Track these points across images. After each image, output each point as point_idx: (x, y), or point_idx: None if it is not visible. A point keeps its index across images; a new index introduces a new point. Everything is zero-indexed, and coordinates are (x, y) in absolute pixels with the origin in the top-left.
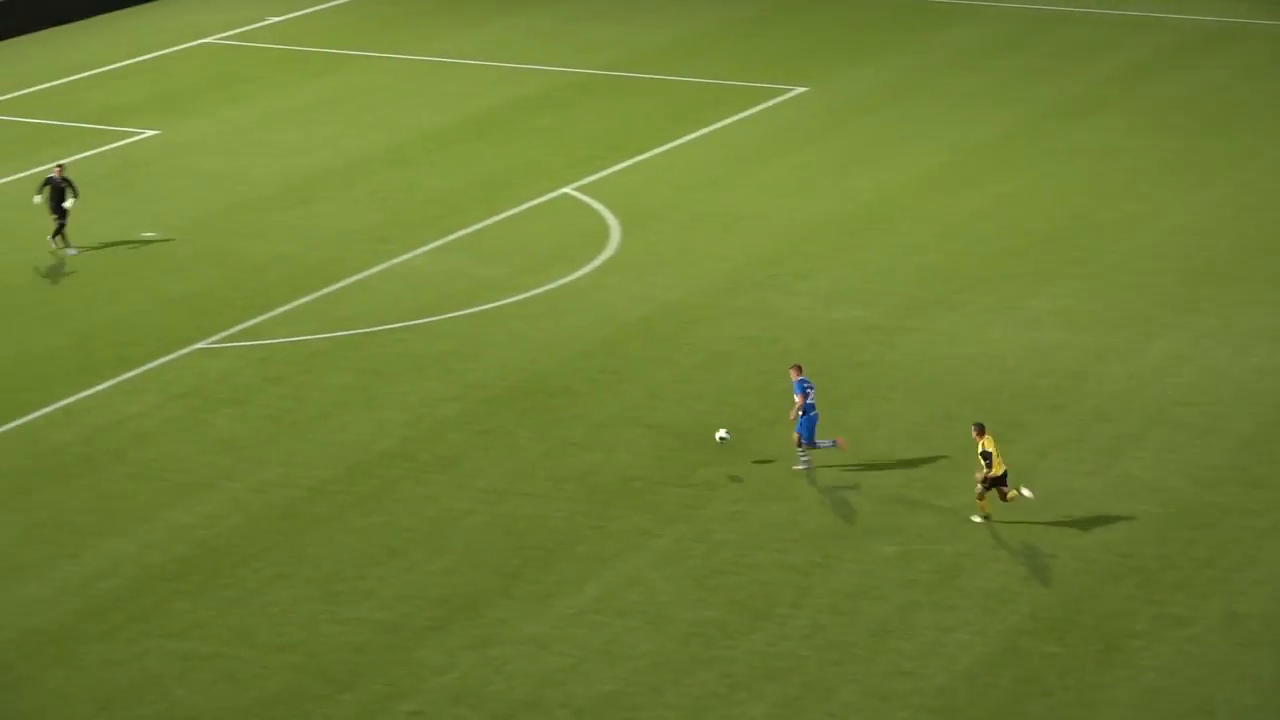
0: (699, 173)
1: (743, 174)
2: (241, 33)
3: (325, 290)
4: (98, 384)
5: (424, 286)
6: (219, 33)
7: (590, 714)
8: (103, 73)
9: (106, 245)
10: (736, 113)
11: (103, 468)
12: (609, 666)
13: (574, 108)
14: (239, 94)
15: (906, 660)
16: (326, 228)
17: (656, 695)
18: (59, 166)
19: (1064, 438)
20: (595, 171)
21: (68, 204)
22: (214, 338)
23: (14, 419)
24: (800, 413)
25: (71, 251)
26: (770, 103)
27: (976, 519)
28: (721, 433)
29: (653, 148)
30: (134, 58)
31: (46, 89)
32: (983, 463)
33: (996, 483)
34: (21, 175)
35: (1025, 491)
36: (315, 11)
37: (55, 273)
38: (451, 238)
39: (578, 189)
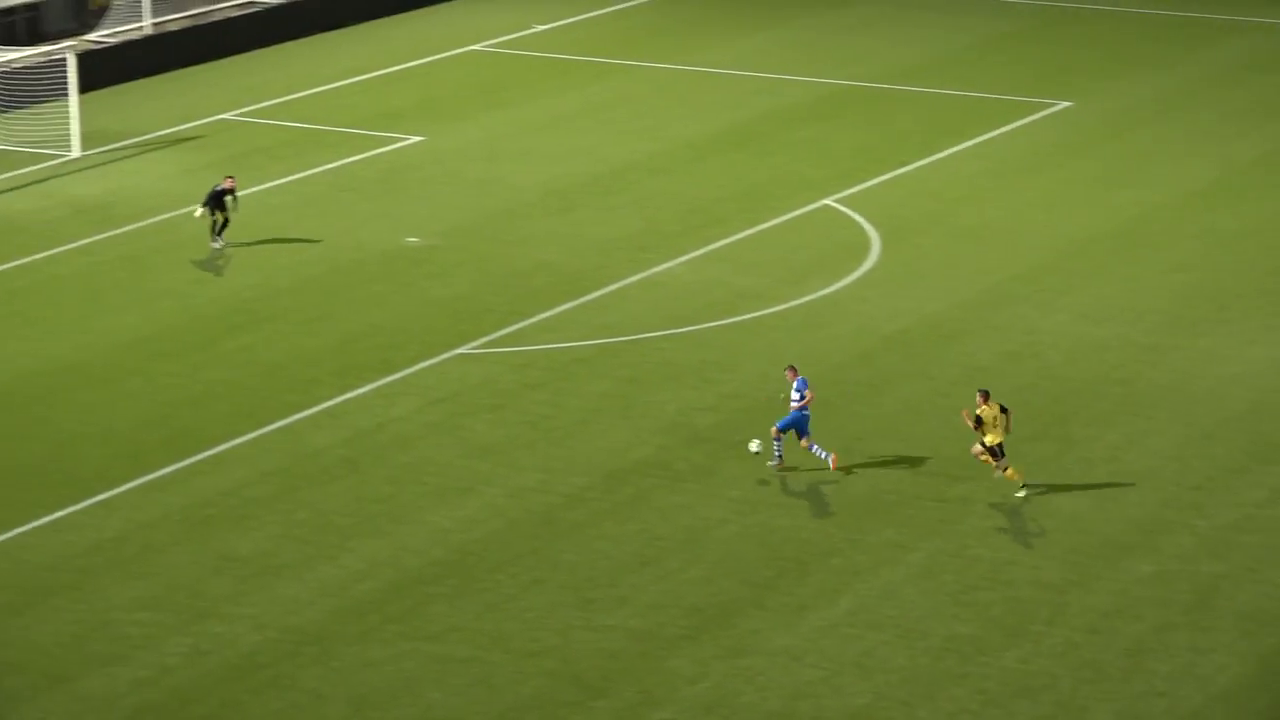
0: (960, 186)
1: (1004, 188)
2: (507, 40)
3: (586, 298)
4: (360, 387)
5: (683, 296)
6: (485, 40)
7: None
8: (371, 78)
9: (372, 249)
10: (999, 126)
11: (363, 470)
12: (861, 680)
13: (836, 119)
14: (503, 101)
15: (1161, 681)
16: (588, 235)
17: (908, 710)
18: (230, 178)
19: None
20: (856, 183)
21: (230, 202)
22: (475, 343)
23: (277, 420)
24: (803, 409)
25: (217, 245)
26: (1033, 117)
27: (1020, 494)
28: (754, 444)
29: (914, 160)
30: (402, 64)
31: (316, 94)
32: (992, 424)
33: (992, 452)
34: (290, 179)
35: (1016, 485)
36: (580, 20)
37: (321, 277)
38: (711, 247)
39: (838, 200)
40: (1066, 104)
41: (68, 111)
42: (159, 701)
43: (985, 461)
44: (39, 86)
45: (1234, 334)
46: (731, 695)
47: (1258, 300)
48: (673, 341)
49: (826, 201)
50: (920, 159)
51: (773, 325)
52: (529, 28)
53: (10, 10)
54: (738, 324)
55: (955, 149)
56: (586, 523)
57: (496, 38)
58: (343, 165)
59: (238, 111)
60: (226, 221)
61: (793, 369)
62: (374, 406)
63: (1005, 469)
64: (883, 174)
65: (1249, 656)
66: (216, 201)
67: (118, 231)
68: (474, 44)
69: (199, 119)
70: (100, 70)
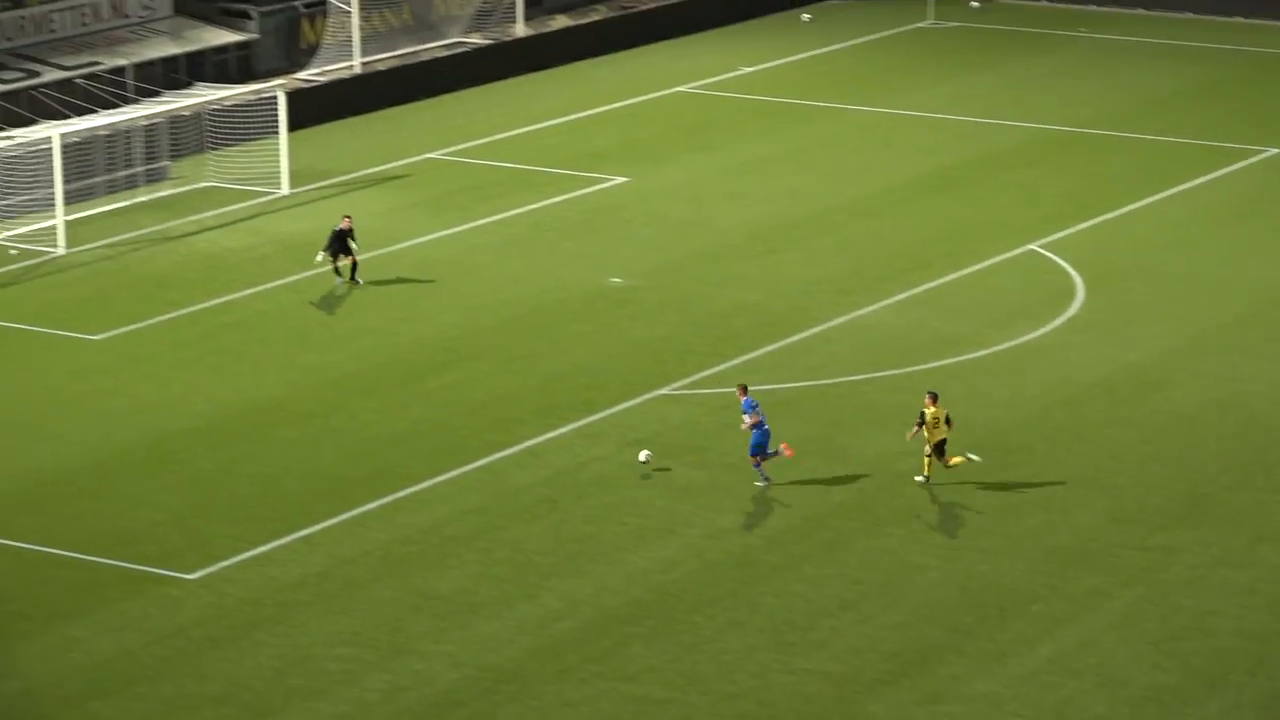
0: (1167, 232)
1: (1212, 235)
2: (712, 83)
3: (788, 340)
4: (561, 426)
5: (886, 339)
6: (691, 82)
7: None
8: (577, 119)
9: (575, 290)
10: (1207, 173)
11: (563, 510)
12: None
13: (1042, 164)
14: (708, 143)
15: None
16: (791, 277)
17: None
18: (346, 218)
19: None
20: (1062, 229)
21: (354, 246)
22: (676, 384)
23: (479, 458)
24: (752, 429)
25: (347, 282)
26: (1242, 164)
27: (919, 479)
28: (644, 454)
29: (1121, 206)
30: (607, 105)
31: (521, 134)
32: (933, 423)
33: (937, 449)
34: (495, 218)
35: (972, 456)
36: (787, 63)
37: (524, 316)
38: (915, 291)
39: (1044, 246)
40: (1275, 151)
41: (277, 149)
42: None
43: (955, 463)
44: (249, 124)
45: None
46: None
47: None
48: (875, 385)
49: (1032, 246)
50: (1127, 205)
51: (975, 370)
52: (735, 70)
53: (223, 49)
54: (940, 368)
55: (1162, 195)
56: (786, 565)
57: (702, 79)
58: (547, 205)
59: (444, 151)
60: (355, 264)
61: (742, 387)
62: (575, 446)
63: (949, 460)
64: (1089, 219)
65: None
66: (340, 244)
67: (324, 270)
68: (679, 85)
69: (405, 158)
70: (309, 108)
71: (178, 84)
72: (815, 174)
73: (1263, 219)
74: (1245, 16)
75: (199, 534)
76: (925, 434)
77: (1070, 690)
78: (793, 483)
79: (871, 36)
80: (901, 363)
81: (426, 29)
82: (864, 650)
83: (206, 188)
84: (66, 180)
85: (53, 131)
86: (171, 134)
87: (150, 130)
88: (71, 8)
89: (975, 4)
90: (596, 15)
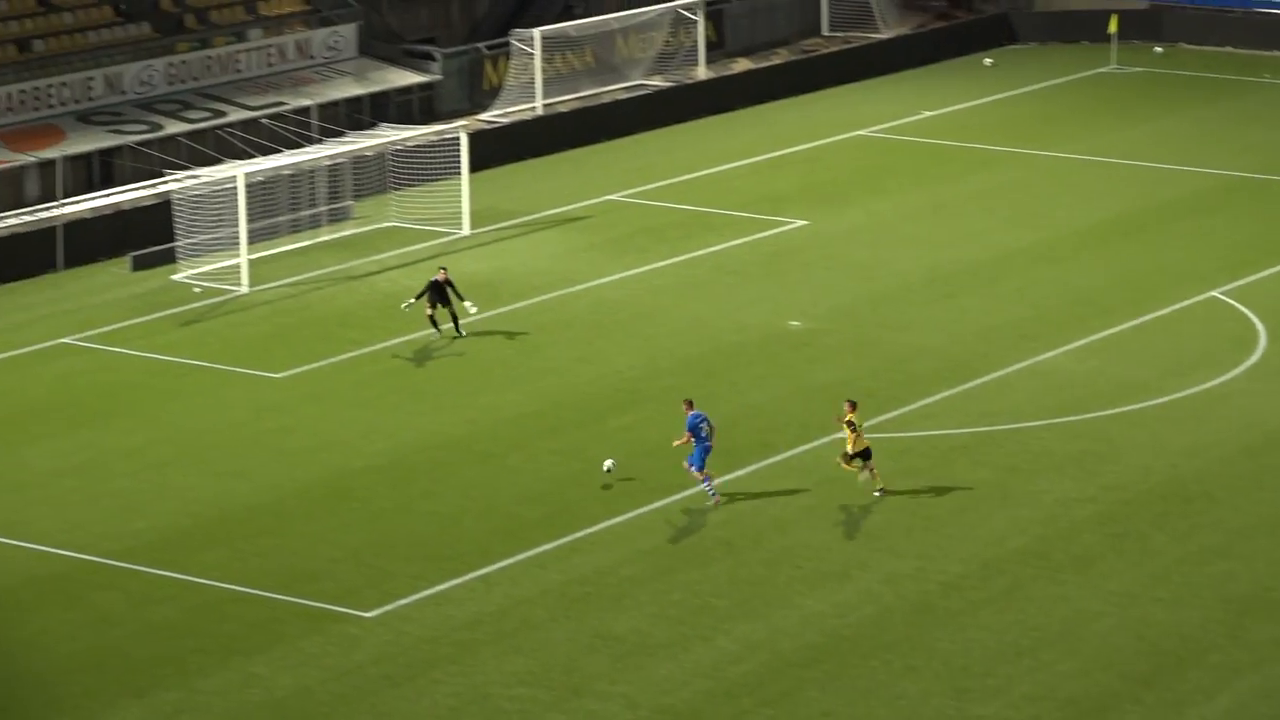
0: None
1: None
2: (895, 126)
3: (967, 385)
4: (738, 469)
5: (1065, 385)
6: (872, 126)
7: None
8: (757, 162)
9: (754, 332)
10: None
11: (739, 552)
12: None
13: (1225, 210)
14: (888, 187)
15: None
16: (971, 322)
17: None
18: (442, 269)
19: None
20: (1244, 276)
21: (469, 305)
22: None
23: (656, 500)
24: (693, 443)
25: (437, 334)
26: None
27: (876, 493)
28: (607, 463)
29: None
30: (788, 148)
31: (702, 176)
32: (848, 430)
33: (859, 455)
34: (675, 260)
35: (874, 485)
36: (968, 108)
37: (703, 358)
38: (1095, 337)
39: (1226, 293)
40: None
41: (459, 190)
42: None
43: (848, 468)
44: (432, 165)
45: None
46: None
47: None
48: (1054, 431)
49: (1213, 294)
50: None
51: (1156, 417)
52: (917, 114)
53: (406, 90)
54: (1120, 415)
55: None
56: (962, 611)
57: (883, 123)
58: (726, 248)
59: (624, 193)
60: (456, 316)
61: (688, 403)
62: (753, 489)
63: (869, 470)
64: (1271, 266)
65: None
66: (439, 295)
67: (504, 309)
68: (861, 129)
69: (586, 199)
70: (491, 149)
71: (361, 124)
72: (996, 218)
73: None
74: None
75: (377, 572)
76: (848, 444)
77: None
78: (969, 528)
79: (1054, 81)
80: (1080, 409)
81: (608, 71)
82: (1040, 698)
83: (388, 227)
84: (250, 219)
85: (237, 171)
86: (354, 174)
87: (334, 170)
88: (258, 49)
89: (1159, 49)
90: (778, 58)
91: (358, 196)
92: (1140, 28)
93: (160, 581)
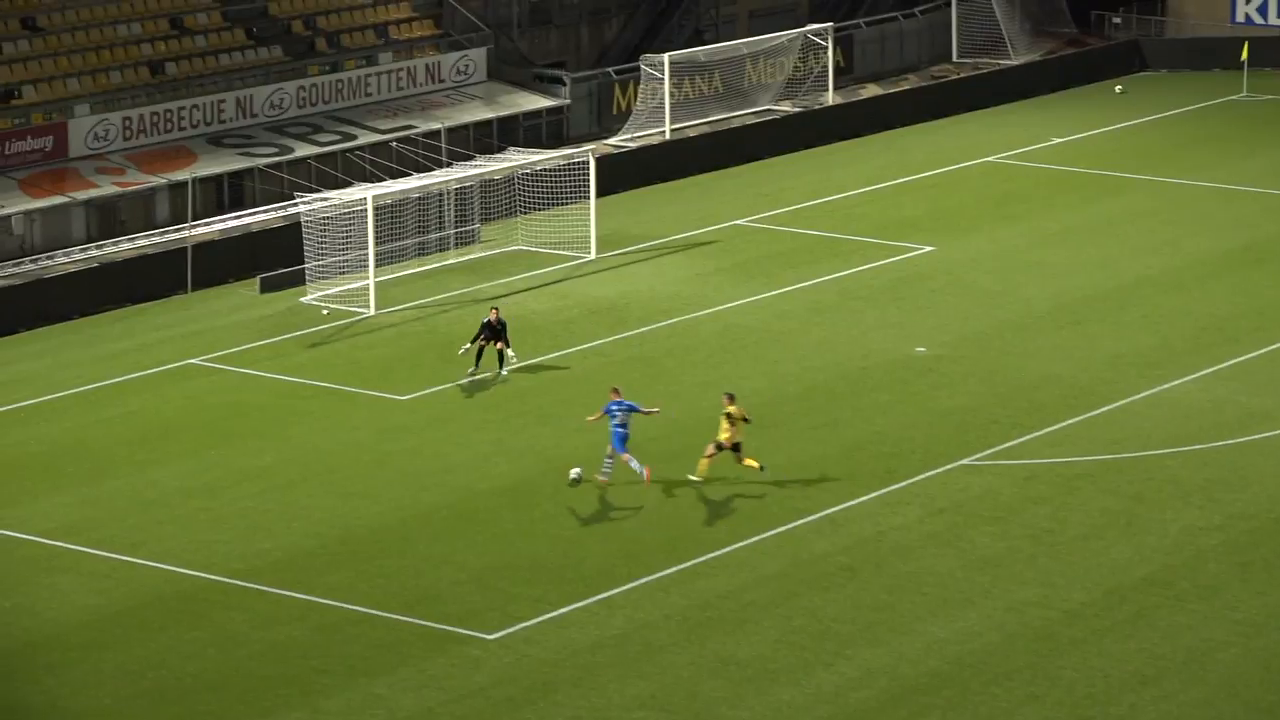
0: None
1: None
2: (1022, 153)
3: (1093, 412)
4: (862, 495)
5: (1192, 413)
6: (1000, 152)
7: None
8: (885, 188)
9: (879, 358)
10: None
11: (862, 578)
12: None
13: None
14: (1015, 213)
15: None
16: (1097, 350)
17: None
18: (494, 309)
19: None
20: None
21: (510, 353)
22: (978, 455)
23: (780, 525)
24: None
25: (486, 373)
26: None
27: (693, 477)
28: (574, 471)
29: None
30: (916, 175)
31: (829, 202)
32: (726, 424)
33: (733, 448)
34: (801, 285)
35: (761, 465)
36: (1098, 134)
37: (828, 383)
38: (1223, 366)
39: None
40: None
41: (587, 214)
42: None
43: (747, 464)
44: (560, 189)
45: None
46: None
47: None
48: (1180, 459)
49: None
50: None
51: None
52: (1046, 140)
53: (535, 114)
54: (1247, 444)
55: None
56: (1086, 639)
57: (1012, 150)
58: (853, 273)
59: (751, 218)
60: (502, 356)
61: (615, 390)
62: (875, 514)
63: (744, 459)
64: None
65: None
66: (492, 333)
67: (629, 334)
68: (989, 155)
69: (713, 224)
70: (619, 174)
71: (490, 148)
72: (1124, 246)
73: None
74: None
75: (500, 594)
76: (723, 433)
77: None
78: (1094, 556)
79: (1184, 109)
80: (1207, 438)
81: (737, 96)
82: None
83: (515, 251)
84: (378, 242)
85: (366, 193)
86: (482, 197)
87: (461, 193)
88: (388, 72)
89: None
90: (907, 84)
91: (485, 220)
92: (1273, 55)
93: (285, 602)
